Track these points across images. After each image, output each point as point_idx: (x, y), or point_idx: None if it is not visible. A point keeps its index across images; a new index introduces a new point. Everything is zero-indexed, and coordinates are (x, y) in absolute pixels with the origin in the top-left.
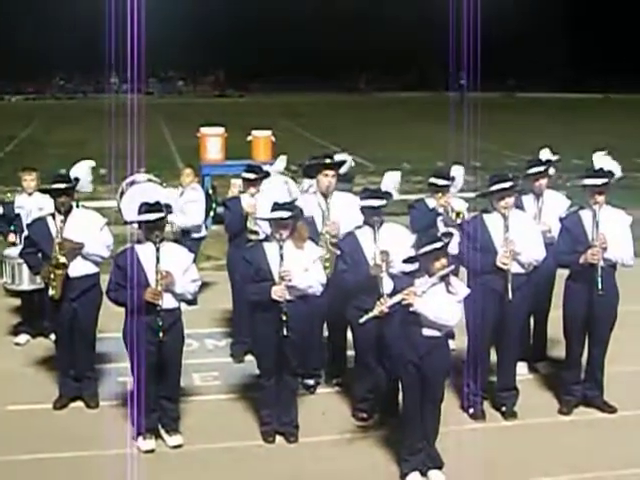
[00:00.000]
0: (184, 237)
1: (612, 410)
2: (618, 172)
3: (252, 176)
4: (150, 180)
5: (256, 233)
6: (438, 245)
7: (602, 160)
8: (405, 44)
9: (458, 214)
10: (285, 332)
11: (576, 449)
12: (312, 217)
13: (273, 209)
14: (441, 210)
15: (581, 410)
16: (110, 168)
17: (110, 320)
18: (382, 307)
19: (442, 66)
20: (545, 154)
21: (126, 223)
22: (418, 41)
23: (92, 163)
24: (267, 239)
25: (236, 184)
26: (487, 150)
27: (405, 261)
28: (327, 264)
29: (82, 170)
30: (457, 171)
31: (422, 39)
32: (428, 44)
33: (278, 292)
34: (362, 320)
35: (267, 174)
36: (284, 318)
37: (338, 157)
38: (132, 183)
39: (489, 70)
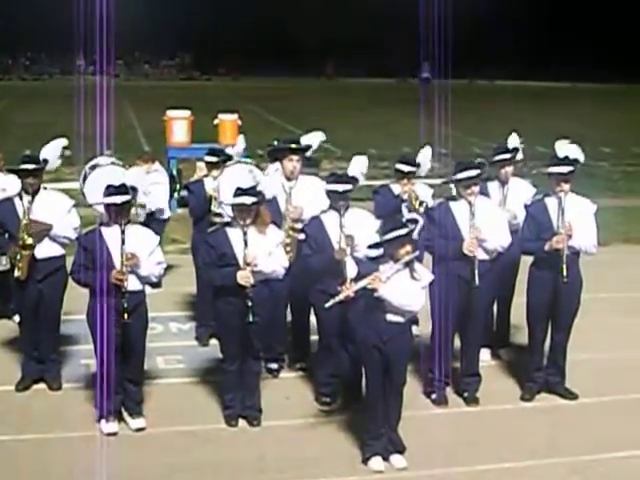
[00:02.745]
0: (148, 219)
1: (573, 397)
2: (581, 158)
3: (214, 159)
4: (113, 163)
5: (220, 216)
6: (403, 232)
7: (565, 148)
8: (372, 30)
9: (421, 203)
10: (251, 318)
11: (537, 435)
12: (276, 200)
13: (236, 194)
14: (405, 196)
15: (543, 397)
16: (76, 149)
17: (75, 302)
18: (348, 292)
19: (408, 53)
20: (513, 139)
21: (90, 206)
22: (385, 27)
23: (64, 142)
24: (230, 224)
25: (202, 167)
26: (453, 137)
27: (370, 247)
28: (288, 248)
29: (53, 148)
30: (424, 154)
31: (389, 26)
32: (395, 31)
33: (244, 277)
34: (328, 305)
35: (229, 157)
36: (249, 304)
37: (308, 138)
38: (95, 167)
39: (457, 57)
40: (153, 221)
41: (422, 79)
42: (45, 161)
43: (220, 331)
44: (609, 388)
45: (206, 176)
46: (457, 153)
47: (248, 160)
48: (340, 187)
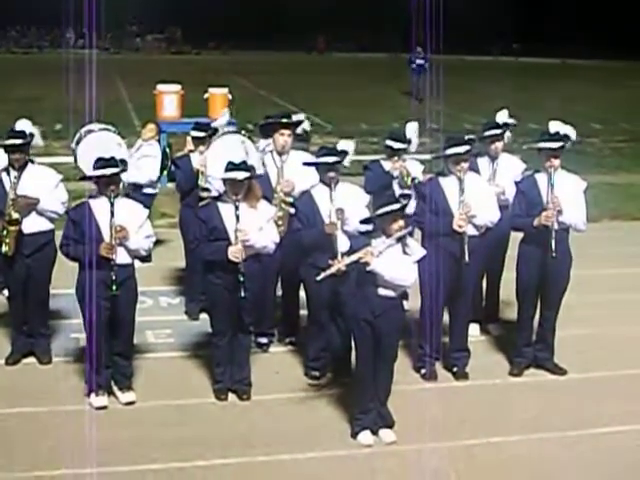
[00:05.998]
0: (136, 192)
1: (562, 372)
2: (572, 136)
3: (201, 134)
4: (107, 129)
5: (207, 190)
6: (396, 206)
7: (558, 126)
8: (364, 5)
9: (413, 179)
10: (243, 294)
11: (526, 410)
12: (267, 175)
13: (228, 169)
14: (396, 173)
15: (531, 372)
16: (66, 123)
17: (64, 277)
18: (339, 265)
19: (401, 29)
20: (502, 116)
21: (82, 179)
22: (377, 2)
23: (29, 123)
24: (221, 198)
25: (190, 142)
26: (445, 113)
27: (362, 222)
28: (280, 222)
29: (28, 127)
30: (411, 128)
31: (382, 0)
32: (387, 5)
33: (235, 252)
34: (319, 278)
35: (216, 131)
36: (241, 279)
37: (295, 117)
38: (89, 132)
39: (450, 33)
40: (141, 194)
41: (415, 66)
42: (31, 135)
43: (210, 305)
44: (598, 364)
45: (192, 151)
46: (449, 129)
47: (241, 132)
48: (330, 159)
